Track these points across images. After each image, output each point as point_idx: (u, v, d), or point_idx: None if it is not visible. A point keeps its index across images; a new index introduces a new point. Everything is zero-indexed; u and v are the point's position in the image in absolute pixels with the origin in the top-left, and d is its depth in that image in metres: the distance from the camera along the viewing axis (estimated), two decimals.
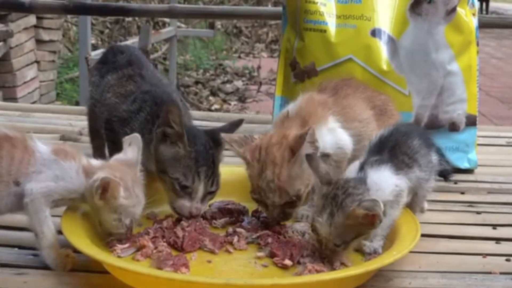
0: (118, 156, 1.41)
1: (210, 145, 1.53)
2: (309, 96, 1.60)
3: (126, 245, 1.37)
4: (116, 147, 1.64)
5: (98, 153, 1.84)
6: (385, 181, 1.37)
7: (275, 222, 1.48)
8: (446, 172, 1.63)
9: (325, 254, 1.34)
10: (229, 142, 1.48)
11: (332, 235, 1.30)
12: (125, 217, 1.34)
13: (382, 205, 1.27)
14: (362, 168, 1.38)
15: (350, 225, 1.30)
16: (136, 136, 1.42)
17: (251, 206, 1.60)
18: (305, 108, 1.55)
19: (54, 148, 1.35)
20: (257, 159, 1.45)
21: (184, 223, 1.47)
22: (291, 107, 1.59)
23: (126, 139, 1.42)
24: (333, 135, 1.55)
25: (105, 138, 1.75)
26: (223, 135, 1.50)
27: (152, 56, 6.99)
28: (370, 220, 1.28)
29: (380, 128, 1.65)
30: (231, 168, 1.63)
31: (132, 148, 1.40)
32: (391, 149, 1.42)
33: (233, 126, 1.60)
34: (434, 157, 1.53)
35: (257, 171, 1.45)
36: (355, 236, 1.32)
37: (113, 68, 1.79)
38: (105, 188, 1.29)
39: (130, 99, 1.67)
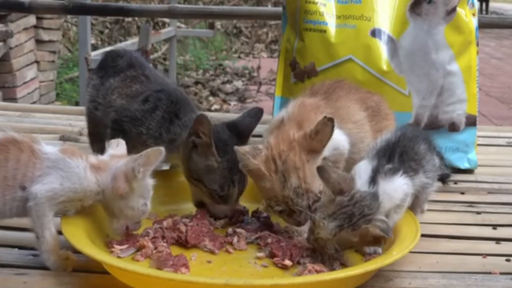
0: (112, 152, 1.40)
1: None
2: (300, 102, 1.58)
3: (126, 245, 1.37)
4: None
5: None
6: (396, 191, 1.37)
7: (303, 224, 1.45)
8: (446, 176, 1.64)
9: (312, 243, 1.35)
10: (244, 155, 1.43)
11: (330, 241, 1.31)
12: (148, 200, 1.37)
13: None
14: (374, 177, 1.37)
15: (353, 241, 1.30)
16: (121, 140, 1.44)
17: (251, 206, 1.60)
18: (298, 115, 1.53)
19: (62, 148, 1.35)
20: (273, 170, 1.42)
21: (186, 220, 1.48)
22: (283, 114, 1.56)
23: (113, 142, 1.43)
24: None
25: (110, 138, 1.73)
26: (235, 147, 1.46)
27: (152, 56, 7.00)
28: (377, 240, 1.29)
29: (374, 129, 1.65)
30: None
31: (120, 148, 1.41)
32: (400, 156, 1.42)
33: (254, 118, 1.59)
34: (437, 161, 1.53)
35: (279, 182, 1.41)
36: (349, 247, 1.34)
37: (114, 72, 1.78)
38: (147, 163, 1.31)
39: (140, 99, 1.66)
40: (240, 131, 1.56)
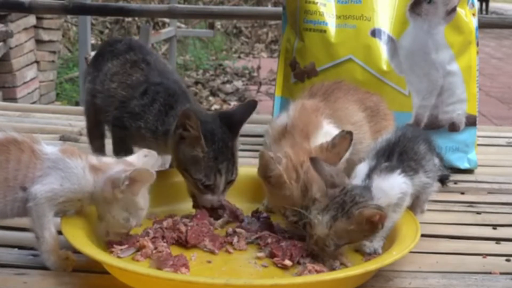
0: (130, 159, 1.39)
1: (229, 137, 1.53)
2: (301, 105, 1.58)
3: (126, 245, 1.37)
4: (124, 145, 1.63)
5: (98, 154, 1.83)
6: (392, 187, 1.38)
7: None
8: (445, 177, 1.64)
9: (312, 248, 1.35)
10: (272, 159, 1.42)
11: (328, 236, 1.31)
12: (133, 218, 1.34)
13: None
14: (369, 174, 1.37)
15: (350, 231, 1.30)
16: (154, 154, 1.41)
17: (251, 206, 1.60)
18: (300, 118, 1.53)
19: (62, 148, 1.35)
20: (294, 179, 1.42)
21: (186, 220, 1.48)
22: (285, 119, 1.57)
23: (143, 151, 1.41)
24: (328, 138, 1.53)
25: (112, 135, 1.72)
26: (262, 152, 1.46)
27: None
28: (373, 225, 1.29)
29: (373, 129, 1.65)
30: None
31: (147, 159, 1.39)
32: (400, 155, 1.42)
33: (247, 110, 1.59)
34: (436, 161, 1.53)
35: (299, 191, 1.41)
36: (348, 241, 1.33)
37: (113, 55, 1.76)
38: (135, 179, 1.29)
39: (139, 91, 1.65)
40: (232, 122, 1.56)
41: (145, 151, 1.42)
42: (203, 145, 1.49)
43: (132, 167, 1.32)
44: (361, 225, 1.29)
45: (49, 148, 1.33)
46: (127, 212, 1.33)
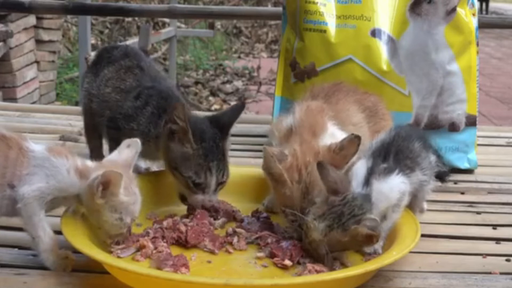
0: (111, 157, 1.40)
1: (219, 137, 1.54)
2: (306, 106, 1.58)
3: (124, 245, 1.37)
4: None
5: (95, 153, 1.84)
6: (392, 190, 1.37)
7: None
8: (445, 174, 1.64)
9: (306, 247, 1.35)
10: (271, 157, 1.42)
11: (321, 242, 1.31)
12: (126, 215, 1.33)
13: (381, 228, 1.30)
14: (368, 178, 1.37)
15: (344, 242, 1.30)
16: (137, 141, 1.41)
17: (251, 206, 1.60)
18: (306, 120, 1.53)
19: (48, 147, 1.34)
20: (296, 179, 1.41)
21: (186, 220, 1.48)
22: (290, 120, 1.56)
23: (125, 142, 1.41)
24: (333, 139, 1.54)
25: (107, 136, 1.75)
26: (264, 147, 1.46)
27: (152, 57, 6.98)
28: (368, 240, 1.29)
29: (372, 129, 1.65)
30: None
31: (128, 150, 1.39)
32: (395, 155, 1.42)
33: (235, 111, 1.61)
34: (433, 159, 1.53)
35: (300, 192, 1.40)
36: (341, 249, 1.33)
37: (109, 62, 1.79)
38: (106, 184, 1.28)
39: (132, 95, 1.67)
40: (221, 124, 1.57)
41: (127, 141, 1.41)
42: (191, 139, 1.50)
43: (112, 167, 1.31)
44: (356, 237, 1.29)
45: (36, 146, 1.33)
46: (117, 212, 1.32)
